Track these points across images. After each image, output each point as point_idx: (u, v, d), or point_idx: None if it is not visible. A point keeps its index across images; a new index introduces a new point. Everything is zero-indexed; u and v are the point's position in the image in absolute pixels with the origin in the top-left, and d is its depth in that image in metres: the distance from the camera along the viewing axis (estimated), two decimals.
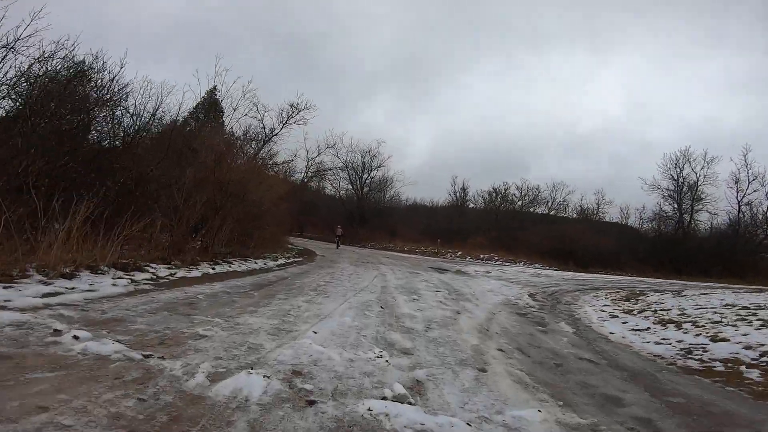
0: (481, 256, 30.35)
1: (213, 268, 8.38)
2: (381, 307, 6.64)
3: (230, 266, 9.00)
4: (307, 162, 23.74)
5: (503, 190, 39.91)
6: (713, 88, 62.74)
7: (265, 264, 10.86)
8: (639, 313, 8.42)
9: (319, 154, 23.33)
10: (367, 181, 39.76)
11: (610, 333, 7.03)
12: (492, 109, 69.90)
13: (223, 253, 9.78)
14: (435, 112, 67.68)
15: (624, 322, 7.80)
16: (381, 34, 78.31)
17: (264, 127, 20.65)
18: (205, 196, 8.97)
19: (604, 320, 8.14)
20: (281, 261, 12.46)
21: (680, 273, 28.66)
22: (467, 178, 47.25)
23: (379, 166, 39.19)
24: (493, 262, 29.16)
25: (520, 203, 38.65)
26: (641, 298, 10.80)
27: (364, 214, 39.08)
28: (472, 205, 42.66)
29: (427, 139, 64.60)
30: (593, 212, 37.63)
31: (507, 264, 28.34)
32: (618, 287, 15.97)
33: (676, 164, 32.82)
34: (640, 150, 55.68)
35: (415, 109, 69.47)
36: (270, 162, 20.93)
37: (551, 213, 39.04)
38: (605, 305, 10.18)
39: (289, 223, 25.34)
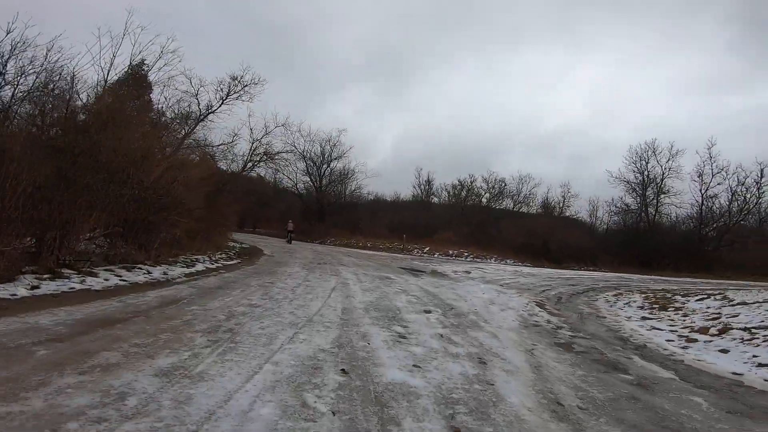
0: (450, 252, 27.66)
1: (34, 287, 4.69)
2: (342, 372, 3.31)
3: (83, 282, 5.32)
4: (252, 144, 19.65)
5: (469, 183, 37.55)
6: (675, 88, 63.80)
7: (164, 274, 7.19)
8: (723, 333, 5.64)
9: (267, 133, 19.33)
10: (326, 172, 36.07)
11: (734, 374, 4.16)
12: (461, 107, 67.86)
13: (88, 257, 6.06)
14: (404, 108, 64.73)
15: (723, 350, 4.99)
16: (360, 24, 74.15)
17: (199, 104, 16.61)
18: (48, 167, 5.23)
19: (686, 347, 5.30)
20: (201, 267, 8.83)
21: (650, 268, 27.46)
22: (432, 171, 44.54)
23: (339, 157, 35.59)
24: (464, 258, 26.55)
25: (487, 195, 36.38)
26: (683, 305, 8.18)
27: (323, 209, 35.38)
28: (436, 200, 40.13)
29: (394, 135, 61.53)
30: (559, 205, 36.05)
31: (480, 261, 25.81)
32: (619, 287, 13.58)
33: (641, 157, 31.70)
34: (601, 149, 55.52)
35: (385, 104, 66.30)
36: (205, 146, 16.91)
37: (517, 207, 37.14)
38: (648, 316, 7.44)
39: (232, 219, 21.37)
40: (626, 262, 27.71)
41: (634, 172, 31.93)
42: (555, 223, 32.97)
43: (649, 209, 32.05)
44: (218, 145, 17.29)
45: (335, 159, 35.65)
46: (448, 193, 38.81)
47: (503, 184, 36.64)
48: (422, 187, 38.94)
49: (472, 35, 75.28)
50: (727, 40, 62.01)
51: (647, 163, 31.61)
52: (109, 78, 12.30)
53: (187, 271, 7.85)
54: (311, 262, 13.38)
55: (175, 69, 15.03)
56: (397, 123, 63.45)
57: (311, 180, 35.84)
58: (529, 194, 36.53)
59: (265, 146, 19.97)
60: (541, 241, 28.99)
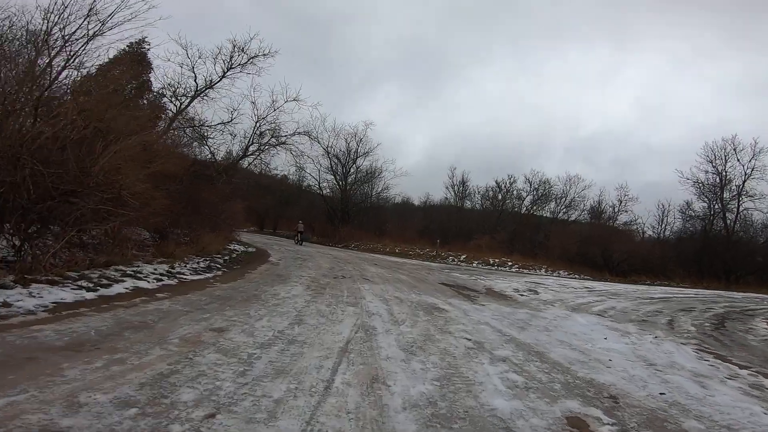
0: (491, 261, 23.46)
1: None
2: None
3: None
4: (256, 123, 15.69)
5: (508, 184, 33.01)
6: (733, 90, 56.94)
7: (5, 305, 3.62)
8: None
9: (275, 109, 15.11)
10: (351, 170, 32.54)
11: None
12: (497, 107, 63.36)
13: None
14: (437, 108, 60.95)
15: None
16: (395, 19, 70.94)
17: (195, 77, 13.38)
18: None
19: None
20: (128, 285, 5.26)
21: (732, 282, 22.38)
22: (467, 171, 40.06)
23: (366, 153, 32.00)
24: (508, 268, 22.34)
25: (530, 198, 31.79)
26: None
27: (347, 209, 31.87)
28: (469, 205, 35.76)
29: (426, 137, 57.76)
30: (614, 210, 31.02)
31: (529, 272, 21.55)
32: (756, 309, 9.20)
33: (716, 155, 26.45)
34: (647, 152, 49.62)
35: (417, 104, 62.71)
36: (200, 125, 13.63)
37: (561, 212, 32.14)
38: None
39: (236, 217, 18.12)
40: (706, 275, 22.73)
41: (708, 173, 26.76)
42: (611, 230, 28.16)
43: (727, 214, 26.77)
44: (217, 124, 13.96)
45: (361, 156, 32.11)
46: (483, 196, 34.44)
47: (548, 186, 31.97)
48: (456, 188, 34.74)
49: (511, 31, 70.69)
50: None
51: (725, 162, 26.38)
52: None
53: (77, 297, 4.31)
54: (324, 276, 9.72)
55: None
56: (429, 124, 59.73)
57: (335, 178, 32.39)
58: (577, 197, 31.67)
59: (272, 126, 16.37)
60: (599, 251, 24.35)
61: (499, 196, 33.82)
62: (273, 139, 16.38)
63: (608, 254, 23.69)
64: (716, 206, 26.92)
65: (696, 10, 62.04)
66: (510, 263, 23.23)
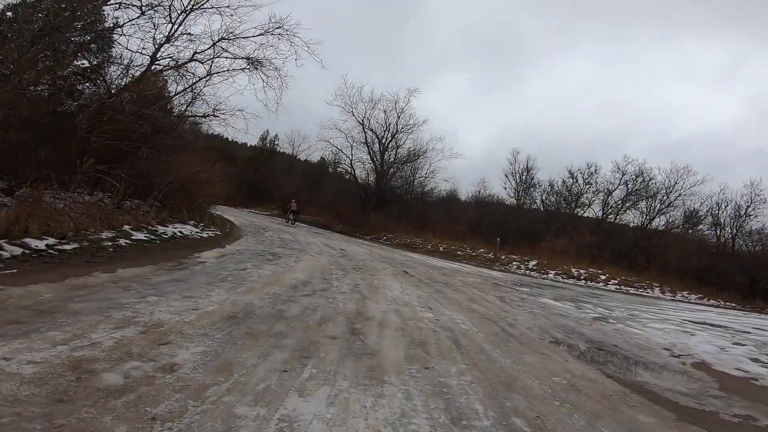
0: (577, 272, 16.33)
1: None
2: None
3: None
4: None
5: (588, 173, 24.89)
6: None
7: None
8: None
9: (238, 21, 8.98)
10: (390, 146, 26.27)
11: None
12: (581, 104, 54.38)
13: None
14: (504, 100, 53.12)
15: None
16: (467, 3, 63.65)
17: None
18: None
19: None
20: None
21: None
22: (533, 156, 31.63)
23: (410, 129, 25.61)
24: (602, 284, 15.22)
25: (623, 188, 23.55)
26: None
27: (382, 194, 25.71)
28: (536, 201, 28.04)
29: (486, 132, 50.20)
30: (740, 213, 22.21)
31: (633, 290, 14.39)
32: None
33: None
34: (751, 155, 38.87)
35: (481, 96, 55.23)
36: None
37: (658, 213, 23.66)
38: None
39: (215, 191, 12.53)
40: None
41: None
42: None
43: None
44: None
45: (403, 131, 25.77)
46: (547, 190, 26.56)
47: (646, 178, 23.50)
48: (519, 176, 27.20)
49: (599, 17, 60.67)
50: None
51: None
52: None
53: None
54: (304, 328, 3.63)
55: None
56: (491, 117, 52.04)
57: (369, 155, 26.27)
58: (688, 192, 23.14)
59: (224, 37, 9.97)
60: (739, 269, 16.44)
61: (574, 189, 25.94)
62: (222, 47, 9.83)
63: (758, 274, 15.74)
64: None
65: None
66: (603, 277, 16.01)
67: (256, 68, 9.64)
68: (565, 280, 15.25)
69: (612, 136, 44.63)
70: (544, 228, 23.30)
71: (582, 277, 15.84)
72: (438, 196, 28.89)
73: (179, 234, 8.30)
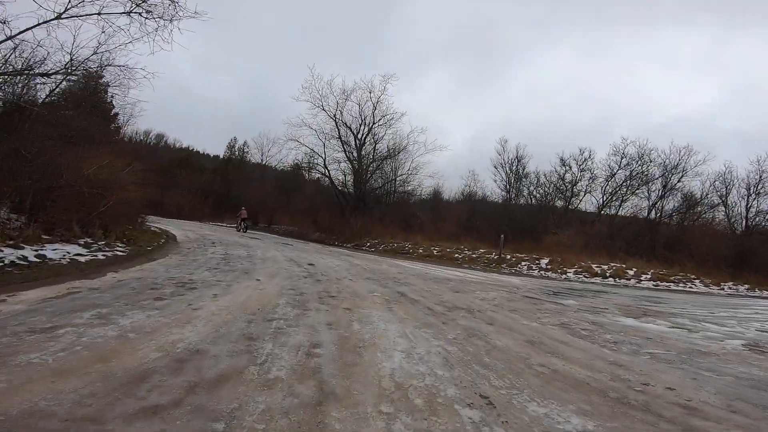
0: (596, 268, 13.69)
1: None
2: None
3: None
4: None
5: (582, 159, 22.16)
6: None
7: None
8: None
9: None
10: (368, 142, 23.21)
11: None
12: (562, 96, 52.58)
13: None
14: (483, 95, 50.91)
15: None
16: None
17: None
18: None
19: None
20: None
21: None
22: (523, 145, 28.60)
23: (388, 122, 22.64)
24: (632, 280, 12.59)
25: (624, 171, 21.05)
26: None
27: (363, 195, 22.64)
28: (526, 194, 25.30)
29: (469, 128, 47.78)
30: (750, 191, 20.06)
31: (673, 285, 11.80)
32: None
33: None
34: (724, 140, 37.81)
35: (462, 92, 52.90)
36: None
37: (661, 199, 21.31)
38: None
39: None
40: None
41: None
42: None
43: None
44: None
45: (381, 124, 22.81)
46: (539, 180, 23.88)
47: (646, 160, 21.01)
48: (509, 166, 24.47)
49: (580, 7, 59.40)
50: None
51: None
52: None
53: None
54: None
55: None
56: (472, 113, 49.73)
57: (346, 154, 23.17)
58: (693, 169, 20.79)
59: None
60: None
61: (568, 177, 23.34)
62: None
63: None
64: None
65: None
66: (631, 272, 13.35)
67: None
68: (591, 280, 12.54)
69: (594, 126, 42.97)
70: (542, 221, 20.68)
71: (607, 274, 13.15)
72: (423, 194, 25.98)
73: (35, 259, 5.05)
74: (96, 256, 5.94)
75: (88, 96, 12.01)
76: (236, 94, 56.65)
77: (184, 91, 55.28)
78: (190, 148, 44.69)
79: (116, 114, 16.41)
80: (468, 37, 59.50)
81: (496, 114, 49.22)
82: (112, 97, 15.79)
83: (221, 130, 57.79)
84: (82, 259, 5.65)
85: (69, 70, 6.21)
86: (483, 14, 58.77)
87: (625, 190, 20.98)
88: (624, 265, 14.08)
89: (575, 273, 13.29)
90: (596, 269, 13.56)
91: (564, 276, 12.93)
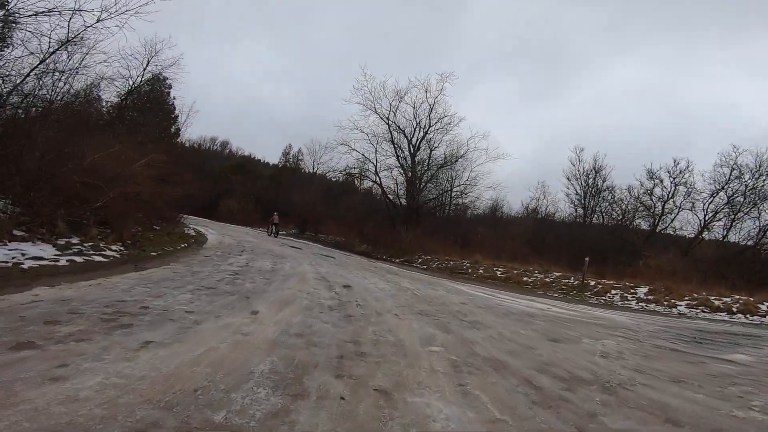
0: (715, 302, 10.47)
1: None
2: None
3: None
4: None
5: (676, 171, 18.13)
6: None
7: None
8: None
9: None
10: (423, 148, 21.23)
11: None
12: (634, 106, 47.78)
13: None
14: (550, 108, 47.43)
15: None
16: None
17: None
18: None
19: None
20: None
21: None
22: (602, 153, 24.43)
23: (446, 128, 20.54)
24: (766, 317, 9.27)
25: (737, 185, 16.93)
26: None
27: (416, 206, 20.62)
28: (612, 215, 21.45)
29: (535, 139, 44.31)
30: None
31: None
32: None
33: None
34: None
35: (525, 103, 49.94)
36: None
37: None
38: None
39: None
40: None
41: None
42: None
43: None
44: None
45: (436, 129, 20.77)
46: (620, 196, 20.03)
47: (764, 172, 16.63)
48: (585, 178, 20.98)
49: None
50: None
51: None
52: None
53: None
54: None
55: None
56: (539, 123, 46.25)
57: (398, 161, 21.38)
58: None
59: None
60: None
61: (658, 192, 19.31)
62: None
63: None
64: None
65: None
66: (763, 308, 9.95)
67: None
68: (711, 315, 9.47)
69: (673, 139, 37.23)
70: (629, 242, 17.23)
71: (734, 309, 9.92)
72: (481, 208, 23.29)
73: None
74: (58, 261, 4.52)
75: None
76: (294, 103, 57.84)
77: (255, 102, 57.54)
78: (252, 156, 45.58)
79: (177, 116, 16.13)
80: (533, 44, 55.95)
81: (562, 124, 45.11)
82: (173, 99, 15.54)
83: (280, 138, 59.21)
84: (35, 263, 4.23)
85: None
86: (549, 21, 55.06)
87: (737, 207, 16.93)
88: (751, 299, 10.69)
89: (687, 306, 10.21)
90: (716, 303, 10.34)
91: (674, 310, 9.95)
